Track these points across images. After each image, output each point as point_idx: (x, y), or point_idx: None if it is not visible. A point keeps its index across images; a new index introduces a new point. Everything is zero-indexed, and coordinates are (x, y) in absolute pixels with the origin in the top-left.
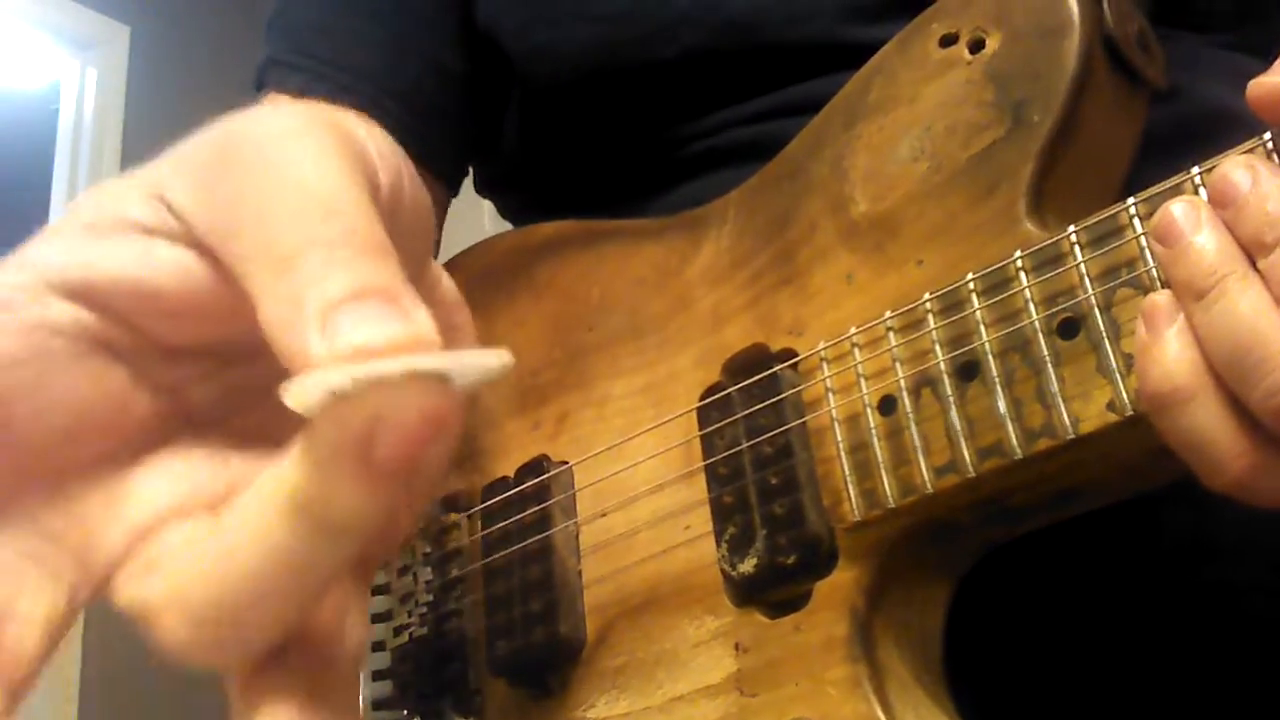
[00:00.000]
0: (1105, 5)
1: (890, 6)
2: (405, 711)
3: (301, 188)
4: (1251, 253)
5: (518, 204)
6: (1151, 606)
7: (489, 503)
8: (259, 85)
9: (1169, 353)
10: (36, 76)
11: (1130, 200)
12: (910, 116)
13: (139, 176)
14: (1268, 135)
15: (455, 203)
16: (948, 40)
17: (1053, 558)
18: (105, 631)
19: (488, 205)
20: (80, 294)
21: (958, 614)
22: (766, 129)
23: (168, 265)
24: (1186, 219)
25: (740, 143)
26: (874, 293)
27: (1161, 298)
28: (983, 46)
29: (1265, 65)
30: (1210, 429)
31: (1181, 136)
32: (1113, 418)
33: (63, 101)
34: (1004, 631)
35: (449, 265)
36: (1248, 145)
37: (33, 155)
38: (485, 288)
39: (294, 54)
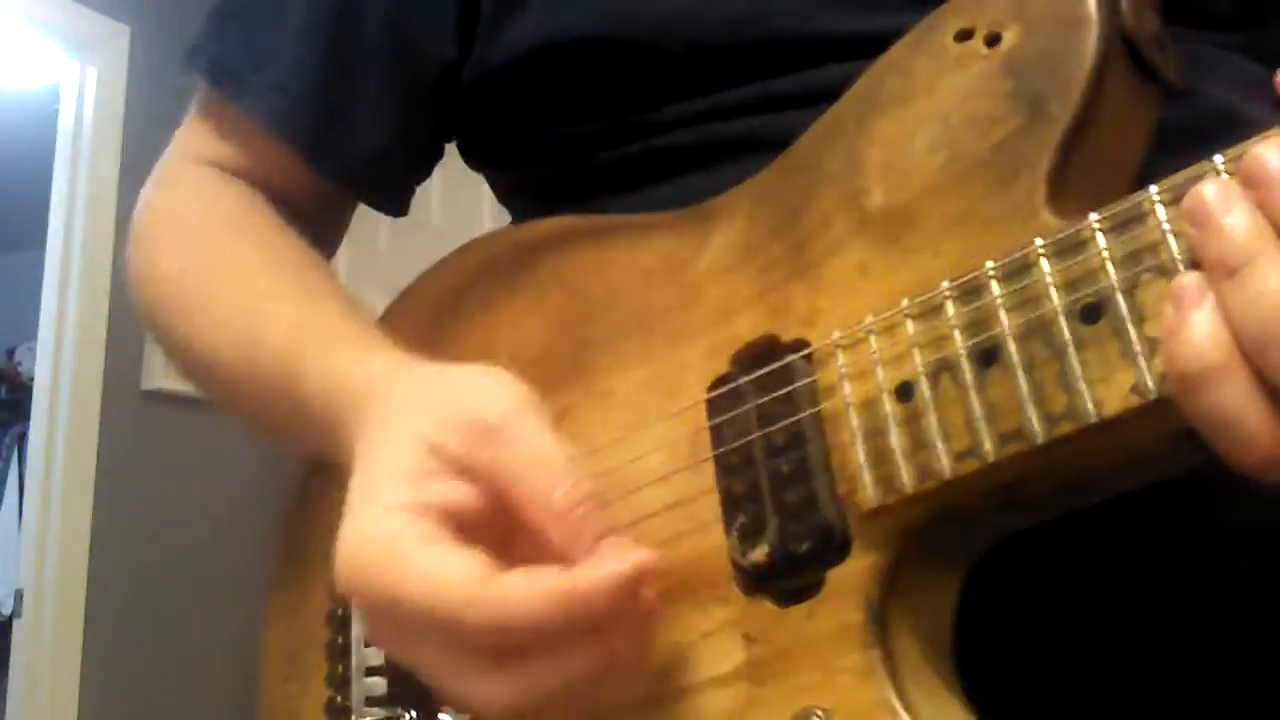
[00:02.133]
0: (1123, 1)
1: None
2: (400, 707)
3: (551, 465)
4: None
5: (509, 185)
6: (1170, 596)
7: None
8: (198, 67)
9: (1198, 331)
10: (36, 76)
11: (1152, 187)
12: (927, 109)
13: (409, 436)
14: None
15: (454, 193)
16: (964, 35)
17: (1069, 545)
18: (105, 631)
19: (487, 197)
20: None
21: (969, 602)
22: (771, 120)
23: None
24: (1218, 199)
25: (743, 133)
26: (889, 283)
27: (1191, 278)
28: (999, 40)
29: (1270, 70)
30: (1238, 408)
31: (1191, 137)
32: (1136, 401)
33: (63, 101)
34: (1016, 620)
35: (450, 259)
36: (1271, 133)
37: (33, 155)
38: (487, 282)
39: (239, 61)
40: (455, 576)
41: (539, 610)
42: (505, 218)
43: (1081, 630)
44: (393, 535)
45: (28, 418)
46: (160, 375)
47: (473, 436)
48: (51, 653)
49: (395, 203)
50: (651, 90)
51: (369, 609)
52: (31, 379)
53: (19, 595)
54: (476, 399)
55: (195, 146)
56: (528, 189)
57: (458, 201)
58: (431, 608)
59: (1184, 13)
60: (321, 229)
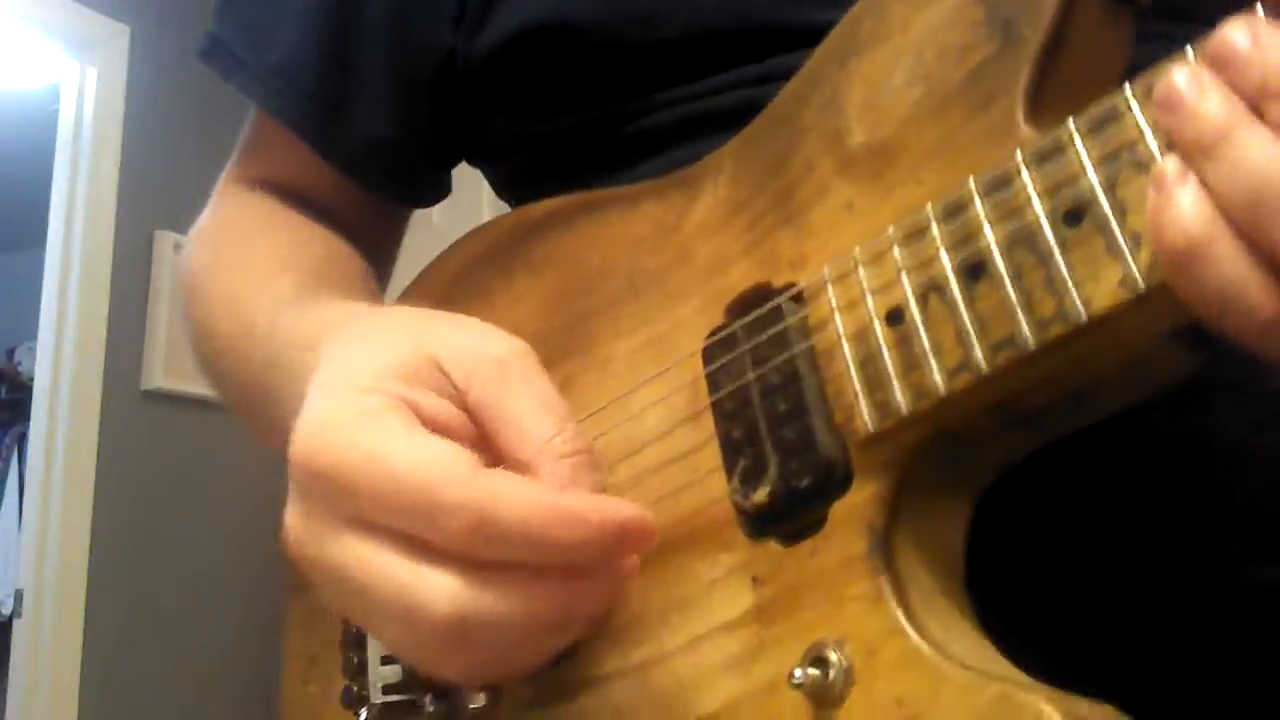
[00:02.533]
0: None
1: None
2: (416, 693)
3: (546, 402)
4: (1258, 104)
5: (506, 174)
6: (1185, 539)
7: None
8: (205, 58)
9: (1183, 209)
10: (36, 76)
11: (1126, 86)
12: (902, 45)
13: (405, 339)
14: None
15: (454, 192)
16: None
17: (1081, 478)
18: (105, 631)
19: (487, 189)
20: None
21: (981, 536)
22: (758, 92)
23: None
24: (1189, 84)
25: (730, 106)
26: (875, 217)
27: (1171, 162)
28: None
29: None
30: (1235, 279)
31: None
32: (1125, 294)
33: (63, 101)
34: (1031, 553)
35: (448, 251)
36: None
37: (33, 155)
38: (485, 269)
39: (244, 50)
40: (443, 458)
41: (526, 515)
42: (503, 206)
43: (1098, 563)
44: (371, 412)
45: (28, 418)
46: (160, 375)
47: (475, 366)
48: (51, 653)
49: (410, 194)
50: (644, 74)
51: (319, 489)
52: (31, 379)
53: (19, 595)
54: (483, 336)
55: (233, 172)
56: (523, 178)
57: (458, 201)
58: (407, 486)
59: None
60: (369, 240)
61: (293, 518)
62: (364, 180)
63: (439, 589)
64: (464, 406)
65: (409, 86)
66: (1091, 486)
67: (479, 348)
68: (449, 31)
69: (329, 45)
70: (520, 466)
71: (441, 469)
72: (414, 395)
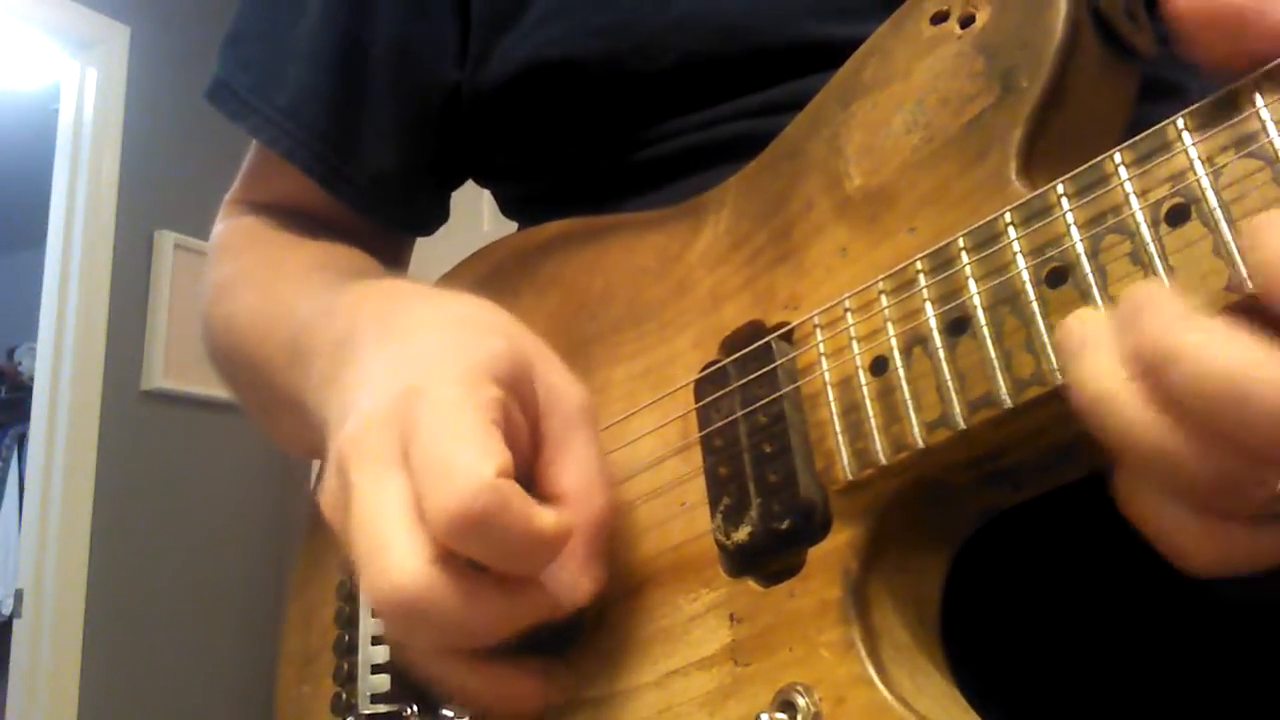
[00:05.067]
0: None
1: (880, 4)
2: (403, 704)
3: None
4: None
5: (513, 196)
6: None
7: None
8: (212, 99)
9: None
10: (36, 76)
11: (1114, 150)
12: (904, 91)
13: (503, 338)
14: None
15: (454, 199)
16: (939, 18)
17: (1061, 532)
18: (105, 631)
19: (487, 204)
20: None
21: (959, 588)
22: (758, 124)
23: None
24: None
25: (731, 137)
26: (867, 263)
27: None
28: (973, 21)
29: None
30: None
31: None
32: None
33: (63, 101)
34: (1007, 608)
35: (457, 269)
36: (1235, 85)
37: (33, 155)
38: (490, 289)
39: (252, 93)
40: (495, 450)
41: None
42: (505, 224)
43: (1080, 621)
44: (480, 405)
45: (28, 418)
46: (160, 375)
47: (564, 399)
48: (51, 653)
49: (418, 223)
50: (645, 104)
51: (395, 425)
52: (31, 379)
53: (19, 595)
54: (567, 374)
55: (237, 194)
56: (530, 202)
57: (458, 207)
58: (458, 463)
59: None
60: (379, 257)
61: (350, 435)
62: (373, 214)
63: (406, 558)
64: (533, 421)
65: (415, 123)
66: (1070, 538)
67: (568, 383)
68: (453, 68)
69: (336, 86)
70: (553, 497)
71: (494, 460)
72: (509, 403)
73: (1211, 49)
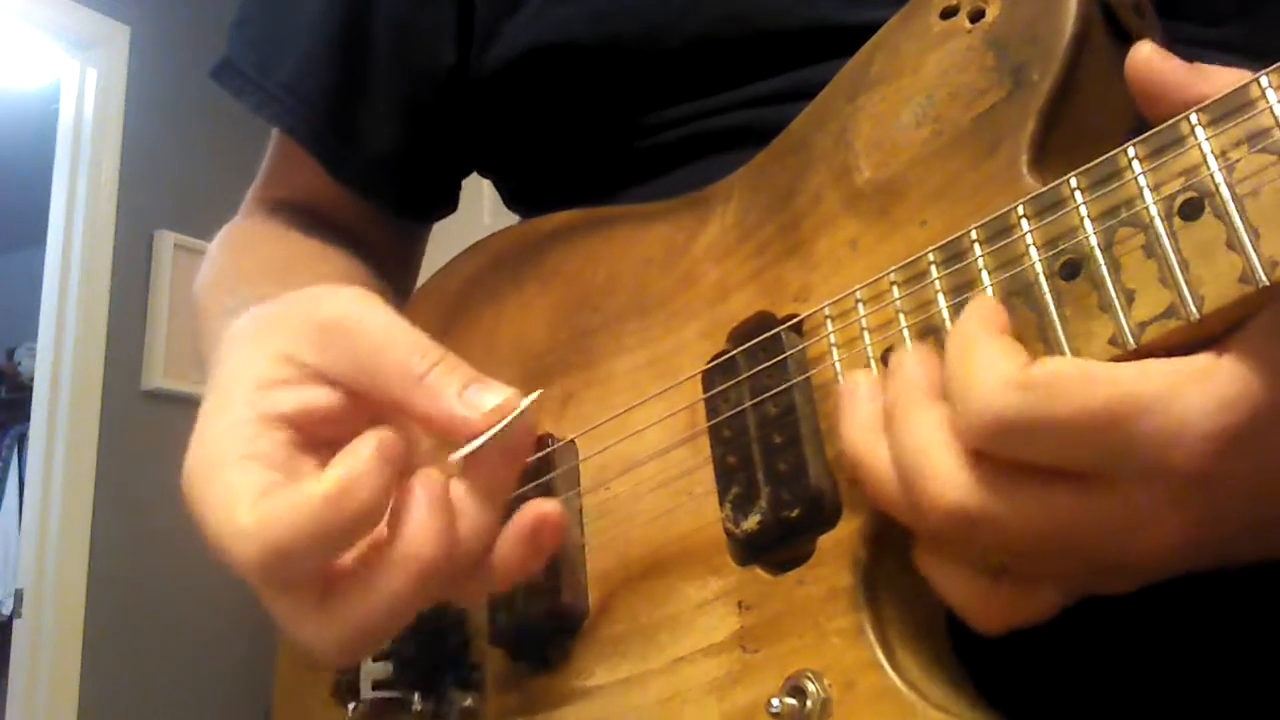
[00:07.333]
0: None
1: None
2: (405, 690)
3: (402, 341)
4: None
5: (515, 188)
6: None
7: None
8: (217, 78)
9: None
10: (36, 76)
11: (1128, 144)
12: (913, 85)
13: (264, 349)
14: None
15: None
16: (949, 13)
17: None
18: (105, 631)
19: (488, 196)
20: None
21: None
22: (763, 113)
23: (316, 397)
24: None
25: (735, 126)
26: (878, 256)
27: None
28: (983, 15)
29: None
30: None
31: None
32: (1114, 352)
33: (63, 101)
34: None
35: (460, 258)
36: (1248, 81)
37: (33, 155)
38: (494, 277)
39: (256, 70)
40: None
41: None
42: (505, 217)
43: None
44: (244, 456)
45: (28, 418)
46: (160, 375)
47: (322, 338)
48: (51, 653)
49: (420, 209)
50: (649, 90)
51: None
52: (31, 379)
53: (19, 595)
54: (318, 304)
55: (256, 192)
56: (532, 193)
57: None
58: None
59: (1184, 6)
60: (389, 257)
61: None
62: (373, 197)
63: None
64: (332, 380)
65: (416, 105)
66: None
67: (319, 317)
68: (452, 49)
69: (337, 64)
70: (399, 406)
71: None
72: (272, 407)
73: (1152, 110)
